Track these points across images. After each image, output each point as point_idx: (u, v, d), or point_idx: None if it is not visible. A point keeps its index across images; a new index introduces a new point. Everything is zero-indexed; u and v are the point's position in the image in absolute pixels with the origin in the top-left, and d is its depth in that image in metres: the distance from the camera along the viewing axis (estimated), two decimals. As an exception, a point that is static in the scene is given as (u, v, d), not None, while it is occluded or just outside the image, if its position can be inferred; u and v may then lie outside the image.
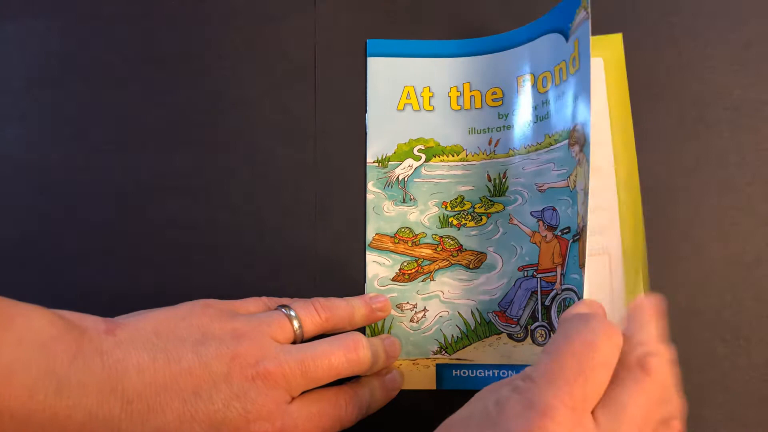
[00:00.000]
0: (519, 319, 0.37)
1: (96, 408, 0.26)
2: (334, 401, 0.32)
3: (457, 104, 0.42)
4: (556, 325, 0.36)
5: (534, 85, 0.41)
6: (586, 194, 0.34)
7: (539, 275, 0.37)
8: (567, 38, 0.39)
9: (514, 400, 0.25)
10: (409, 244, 0.40)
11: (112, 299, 0.38)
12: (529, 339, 0.37)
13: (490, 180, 0.41)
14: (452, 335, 0.38)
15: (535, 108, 0.41)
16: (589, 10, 0.35)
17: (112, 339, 0.28)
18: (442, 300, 0.39)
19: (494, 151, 0.41)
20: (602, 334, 0.26)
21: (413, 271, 0.39)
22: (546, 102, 0.40)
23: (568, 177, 0.37)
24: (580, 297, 0.34)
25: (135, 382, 0.27)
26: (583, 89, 0.36)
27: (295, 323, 0.33)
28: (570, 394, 0.24)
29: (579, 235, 0.35)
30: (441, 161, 0.41)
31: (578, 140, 0.36)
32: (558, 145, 0.39)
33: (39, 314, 0.27)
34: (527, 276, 0.38)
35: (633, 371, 0.26)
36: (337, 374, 0.32)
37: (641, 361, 0.26)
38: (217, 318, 0.31)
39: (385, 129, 0.42)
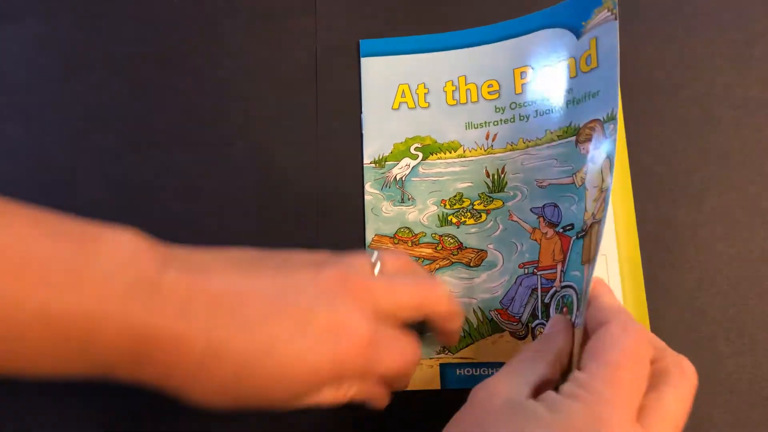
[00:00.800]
0: (520, 317, 0.37)
1: (184, 310, 0.26)
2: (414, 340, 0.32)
3: (453, 99, 0.42)
4: None
5: (534, 79, 0.41)
6: (601, 191, 0.34)
7: (539, 272, 0.37)
8: (578, 35, 0.38)
9: (579, 410, 0.25)
10: (409, 245, 0.40)
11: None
12: (530, 337, 0.37)
13: (488, 176, 0.40)
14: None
15: (534, 102, 0.40)
16: (617, 11, 0.35)
17: (198, 255, 0.29)
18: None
19: (492, 146, 0.41)
20: (646, 342, 0.28)
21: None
22: (547, 97, 0.40)
23: (574, 174, 0.37)
24: (579, 294, 0.33)
25: (222, 286, 0.27)
26: (608, 86, 0.35)
27: (376, 260, 0.32)
28: (631, 408, 0.26)
29: (585, 232, 0.35)
30: (438, 158, 0.41)
31: (591, 138, 0.36)
32: (561, 141, 0.38)
33: (124, 229, 0.27)
34: (528, 273, 0.38)
35: (672, 376, 0.28)
36: (419, 303, 0.32)
37: (679, 364, 0.28)
38: (295, 254, 0.31)
39: (380, 129, 0.42)
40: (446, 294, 0.33)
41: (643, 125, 0.41)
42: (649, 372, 0.28)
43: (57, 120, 0.43)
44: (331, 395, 0.30)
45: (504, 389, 0.28)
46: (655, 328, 0.38)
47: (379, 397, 0.33)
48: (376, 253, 0.32)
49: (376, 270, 0.31)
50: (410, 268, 0.34)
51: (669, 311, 0.38)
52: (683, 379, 0.28)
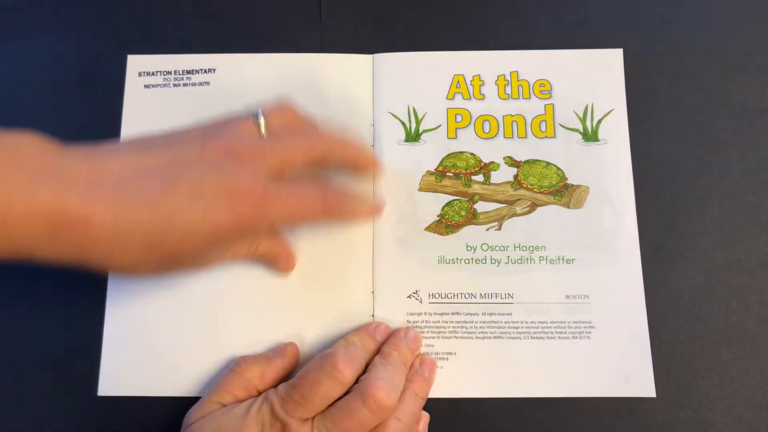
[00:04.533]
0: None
1: (87, 191, 0.29)
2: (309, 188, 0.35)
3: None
4: None
5: None
6: None
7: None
8: None
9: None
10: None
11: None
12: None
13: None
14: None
15: None
16: None
17: (94, 147, 0.31)
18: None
19: None
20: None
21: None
22: None
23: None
24: None
25: (119, 169, 0.30)
26: None
27: (261, 121, 0.35)
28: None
29: None
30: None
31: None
32: None
33: (24, 131, 0.30)
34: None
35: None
36: (307, 155, 0.35)
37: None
38: (182, 131, 0.34)
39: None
40: (332, 138, 0.36)
41: (645, 136, 0.42)
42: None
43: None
44: (242, 251, 0.37)
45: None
46: (657, 335, 0.38)
47: (285, 255, 0.39)
48: (259, 111, 0.35)
49: (263, 130, 0.35)
50: (297, 121, 0.37)
51: (671, 318, 0.39)
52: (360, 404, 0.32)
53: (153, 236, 0.30)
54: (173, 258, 0.32)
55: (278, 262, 0.39)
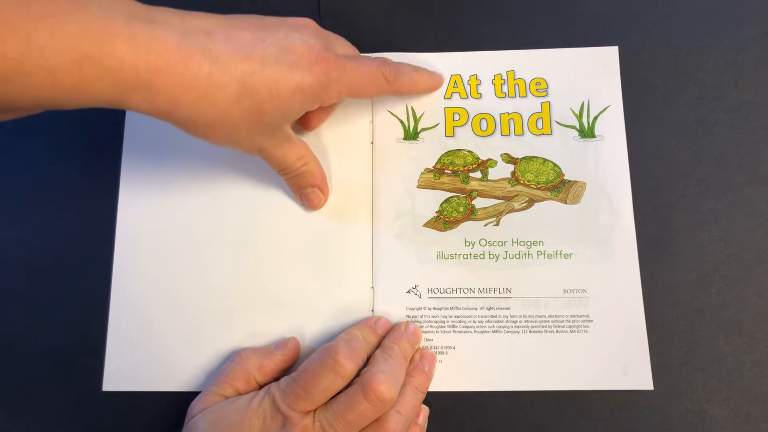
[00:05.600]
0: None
1: (183, 35, 0.30)
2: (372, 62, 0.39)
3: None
4: None
5: None
6: None
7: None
8: None
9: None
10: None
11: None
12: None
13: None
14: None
15: None
16: None
17: (172, 10, 0.31)
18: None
19: None
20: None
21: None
22: None
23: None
24: None
25: (207, 23, 0.32)
26: None
27: None
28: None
29: None
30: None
31: None
32: None
33: None
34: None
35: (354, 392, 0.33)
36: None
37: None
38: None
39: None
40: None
41: (641, 130, 0.42)
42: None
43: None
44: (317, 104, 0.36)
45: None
46: (655, 328, 0.39)
47: (321, 187, 0.41)
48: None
49: None
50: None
51: (668, 311, 0.39)
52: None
53: (245, 84, 0.31)
54: (256, 114, 0.32)
55: (314, 194, 0.40)
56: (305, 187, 0.40)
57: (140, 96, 0.29)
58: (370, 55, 0.44)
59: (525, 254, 0.40)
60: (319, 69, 0.33)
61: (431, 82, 0.43)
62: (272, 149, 0.37)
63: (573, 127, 0.42)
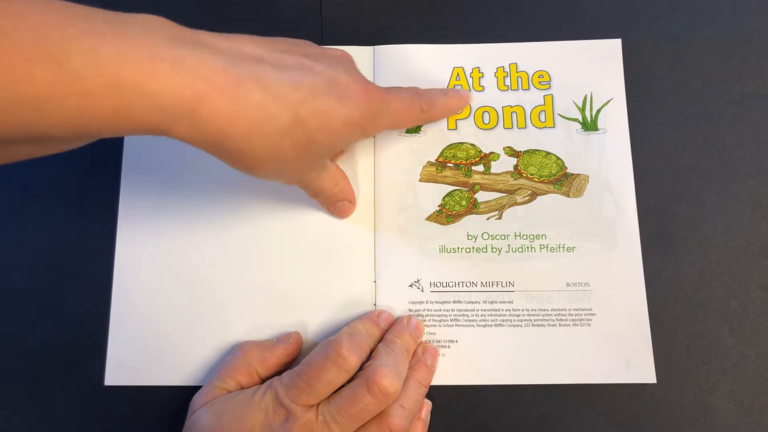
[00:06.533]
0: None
1: (233, 60, 0.28)
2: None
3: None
4: None
5: None
6: None
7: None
8: None
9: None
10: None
11: (128, 299, 0.39)
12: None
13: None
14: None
15: None
16: None
17: (212, 33, 0.30)
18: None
19: None
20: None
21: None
22: None
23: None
24: None
25: (253, 48, 0.30)
26: None
27: None
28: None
29: None
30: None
31: None
32: None
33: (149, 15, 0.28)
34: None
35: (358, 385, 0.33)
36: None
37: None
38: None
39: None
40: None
41: (644, 122, 0.42)
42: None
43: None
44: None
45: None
46: (658, 321, 0.38)
47: (350, 199, 0.40)
48: None
49: None
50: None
51: (673, 304, 0.39)
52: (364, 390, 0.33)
53: (298, 114, 0.29)
54: (306, 146, 0.31)
55: (344, 206, 0.40)
56: (336, 203, 0.40)
57: (185, 124, 0.26)
58: (371, 48, 0.44)
59: (528, 248, 0.40)
60: (366, 102, 0.32)
61: (461, 103, 0.42)
62: (311, 179, 0.36)
63: (576, 120, 0.42)
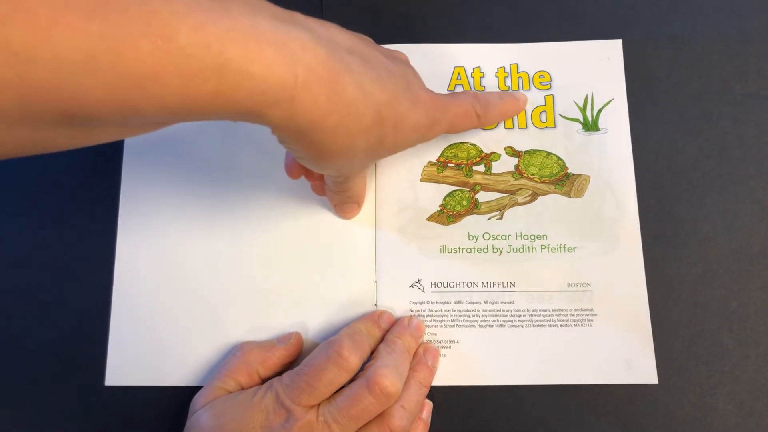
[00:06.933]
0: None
1: (332, 48, 0.27)
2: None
3: None
4: None
5: None
6: None
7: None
8: None
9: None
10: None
11: (128, 299, 0.39)
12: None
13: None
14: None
15: None
16: None
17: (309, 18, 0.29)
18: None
19: None
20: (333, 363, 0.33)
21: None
22: None
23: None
24: None
25: (344, 40, 0.29)
26: None
27: None
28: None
29: None
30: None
31: None
32: None
33: None
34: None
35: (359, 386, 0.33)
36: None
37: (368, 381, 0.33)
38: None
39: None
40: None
41: (645, 123, 0.42)
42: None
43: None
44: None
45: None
46: (659, 322, 0.38)
47: (360, 200, 0.40)
48: None
49: None
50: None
51: (673, 305, 0.39)
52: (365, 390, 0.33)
53: (381, 115, 0.29)
54: (376, 146, 0.30)
55: (351, 207, 0.40)
56: (347, 202, 0.39)
57: (281, 110, 0.25)
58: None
59: (529, 248, 0.40)
60: (431, 108, 0.33)
61: (517, 106, 0.42)
62: (355, 175, 0.35)
63: (577, 120, 0.42)
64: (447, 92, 0.43)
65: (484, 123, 0.40)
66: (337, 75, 0.26)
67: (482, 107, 0.38)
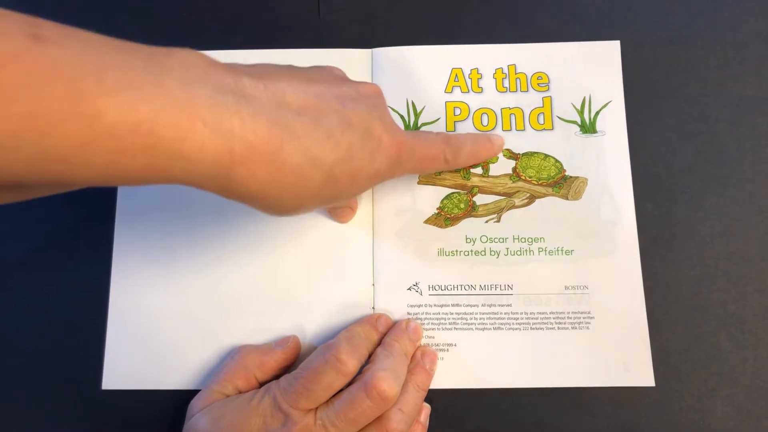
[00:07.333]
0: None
1: (275, 117, 0.26)
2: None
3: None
4: None
5: None
6: None
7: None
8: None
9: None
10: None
11: (124, 303, 0.39)
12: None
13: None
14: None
15: None
16: None
17: (254, 68, 0.29)
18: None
19: None
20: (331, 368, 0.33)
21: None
22: None
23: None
24: None
25: (294, 96, 0.28)
26: None
27: None
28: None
29: None
30: None
31: None
32: None
33: (187, 49, 0.26)
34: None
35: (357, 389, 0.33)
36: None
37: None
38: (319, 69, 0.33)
39: None
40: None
41: (642, 125, 0.42)
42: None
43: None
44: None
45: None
46: (656, 325, 0.39)
47: (352, 207, 0.40)
48: None
49: None
50: None
51: (670, 308, 0.39)
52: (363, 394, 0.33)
53: (332, 175, 0.29)
54: (331, 198, 0.30)
55: (345, 212, 0.40)
56: (340, 207, 0.40)
57: (218, 183, 0.25)
58: (369, 51, 0.44)
59: (526, 251, 0.40)
60: (394, 154, 0.32)
61: (491, 151, 0.41)
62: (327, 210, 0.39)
63: (574, 122, 0.42)
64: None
65: (453, 167, 0.39)
66: (278, 147, 0.26)
67: (452, 152, 0.37)
